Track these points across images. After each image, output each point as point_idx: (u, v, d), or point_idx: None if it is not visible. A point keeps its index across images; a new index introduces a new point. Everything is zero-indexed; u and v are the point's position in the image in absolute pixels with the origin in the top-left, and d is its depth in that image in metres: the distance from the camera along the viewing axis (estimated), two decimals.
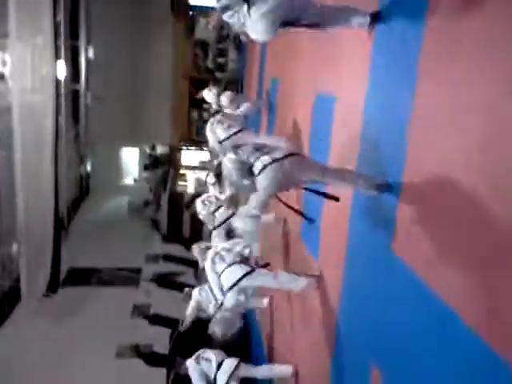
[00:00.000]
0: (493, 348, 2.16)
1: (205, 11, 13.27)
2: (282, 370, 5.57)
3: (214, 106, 8.46)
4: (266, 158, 3.30)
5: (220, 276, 4.69)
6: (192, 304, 6.32)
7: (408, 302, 2.96)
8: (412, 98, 3.01)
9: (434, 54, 2.82)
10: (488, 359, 2.18)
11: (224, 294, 4.64)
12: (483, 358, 2.22)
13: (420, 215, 2.90)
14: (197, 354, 5.56)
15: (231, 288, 4.57)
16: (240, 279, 4.57)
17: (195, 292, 6.39)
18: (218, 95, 8.12)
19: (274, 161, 3.27)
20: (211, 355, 5.48)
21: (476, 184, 2.35)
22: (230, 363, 5.40)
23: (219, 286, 4.73)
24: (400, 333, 3.04)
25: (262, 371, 5.69)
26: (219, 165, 3.75)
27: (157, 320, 9.52)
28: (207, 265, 4.90)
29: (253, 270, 4.69)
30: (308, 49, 5.85)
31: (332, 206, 4.42)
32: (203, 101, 8.91)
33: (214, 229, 7.42)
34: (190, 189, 8.32)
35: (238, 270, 4.65)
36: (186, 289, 6.64)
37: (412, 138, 3.02)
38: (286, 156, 3.33)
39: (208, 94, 8.32)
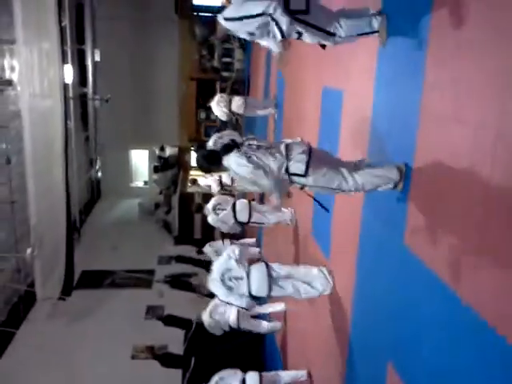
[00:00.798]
0: (510, 342, 2.11)
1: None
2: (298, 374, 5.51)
3: (224, 118, 8.28)
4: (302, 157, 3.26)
5: (252, 293, 4.57)
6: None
7: (422, 295, 2.93)
8: (421, 88, 2.98)
9: (442, 43, 2.78)
10: (506, 353, 2.14)
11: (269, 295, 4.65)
12: (500, 352, 2.18)
13: (431, 206, 2.86)
14: (214, 381, 5.29)
15: (271, 288, 4.55)
16: (269, 276, 4.56)
17: (206, 318, 6.41)
18: (229, 103, 7.83)
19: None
20: (230, 380, 5.29)
21: (488, 174, 2.31)
22: (252, 379, 5.28)
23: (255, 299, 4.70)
24: (415, 328, 3.01)
25: (283, 378, 5.54)
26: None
27: (171, 321, 9.52)
28: (222, 293, 4.66)
29: (265, 262, 4.72)
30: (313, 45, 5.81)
31: (343, 202, 4.39)
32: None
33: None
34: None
35: (259, 273, 4.58)
36: (195, 318, 6.60)
37: (422, 129, 2.99)
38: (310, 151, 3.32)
39: (216, 108, 7.96)
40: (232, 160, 3.36)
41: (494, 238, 2.26)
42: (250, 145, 3.41)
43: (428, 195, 2.91)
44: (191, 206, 14.09)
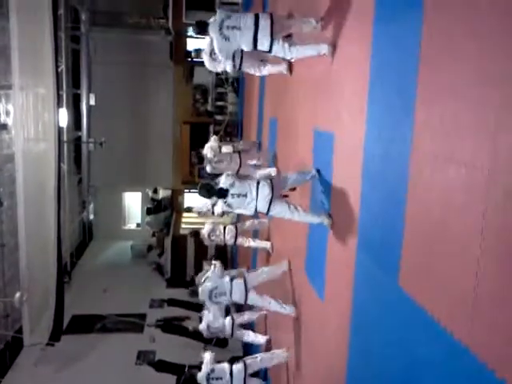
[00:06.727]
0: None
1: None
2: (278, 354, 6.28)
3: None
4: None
5: None
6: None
7: (417, 336, 2.89)
8: (411, 129, 3.03)
9: (431, 81, 2.85)
10: None
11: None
12: None
13: (425, 247, 2.86)
14: (206, 373, 5.79)
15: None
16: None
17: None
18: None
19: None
20: (221, 372, 5.81)
21: (482, 213, 2.32)
22: (238, 368, 5.88)
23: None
24: (411, 368, 2.95)
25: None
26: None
27: (162, 366, 9.26)
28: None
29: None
30: (305, 86, 5.94)
31: (337, 244, 4.38)
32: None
33: None
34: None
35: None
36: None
37: (413, 168, 3.02)
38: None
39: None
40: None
41: (489, 278, 2.25)
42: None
43: (422, 235, 2.91)
44: (184, 247, 14.17)
